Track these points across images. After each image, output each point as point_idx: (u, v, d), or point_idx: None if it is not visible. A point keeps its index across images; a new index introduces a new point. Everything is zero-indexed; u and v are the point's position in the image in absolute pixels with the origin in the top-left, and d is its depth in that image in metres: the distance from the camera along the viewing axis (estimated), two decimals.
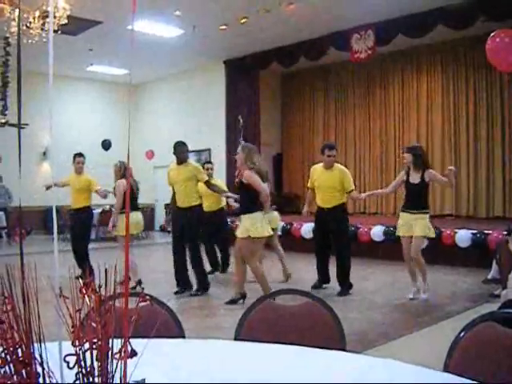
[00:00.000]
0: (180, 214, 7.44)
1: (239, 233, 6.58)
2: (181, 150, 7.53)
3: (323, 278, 7.66)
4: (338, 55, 13.60)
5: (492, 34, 7.65)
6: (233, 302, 6.74)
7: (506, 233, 7.70)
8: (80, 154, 8.90)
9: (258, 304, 2.43)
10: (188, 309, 6.68)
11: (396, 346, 5.15)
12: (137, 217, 7.91)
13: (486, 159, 13.17)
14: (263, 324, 2.37)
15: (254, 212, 6.45)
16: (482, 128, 13.28)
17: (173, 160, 7.69)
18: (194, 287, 7.48)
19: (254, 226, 6.41)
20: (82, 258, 8.27)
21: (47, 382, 1.00)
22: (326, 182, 7.44)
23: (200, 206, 7.59)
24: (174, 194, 7.64)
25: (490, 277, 7.63)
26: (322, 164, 7.61)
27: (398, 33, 11.71)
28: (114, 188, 7.99)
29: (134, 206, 7.93)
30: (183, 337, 2.28)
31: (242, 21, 11.33)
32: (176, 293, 7.41)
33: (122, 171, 7.88)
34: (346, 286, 7.39)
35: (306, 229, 11.90)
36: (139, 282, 7.58)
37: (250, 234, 6.42)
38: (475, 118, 13.40)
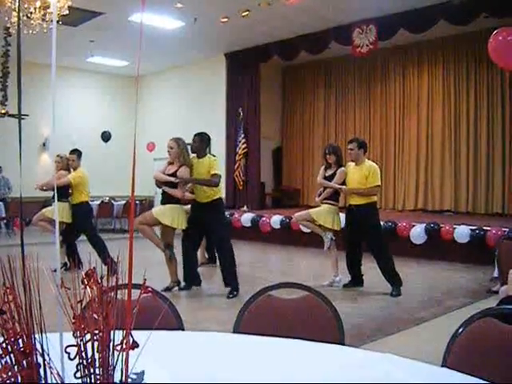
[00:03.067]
0: (198, 209, 7.16)
1: None
2: (197, 141, 7.30)
3: (353, 279, 7.55)
4: (339, 49, 13.59)
5: (495, 32, 7.63)
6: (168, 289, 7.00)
7: None
8: (73, 151, 8.82)
9: (257, 297, 2.43)
10: (186, 301, 6.70)
11: (394, 341, 5.16)
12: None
13: (486, 155, 13.16)
14: (262, 317, 2.38)
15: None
16: (482, 124, 13.27)
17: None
18: (228, 289, 7.13)
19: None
20: (73, 250, 8.55)
21: (48, 372, 1.00)
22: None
23: (221, 199, 7.37)
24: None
25: (495, 274, 7.63)
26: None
27: (400, 28, 11.70)
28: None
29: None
30: (182, 329, 2.29)
31: (244, 14, 11.30)
32: (182, 289, 7.26)
33: (65, 166, 8.56)
34: (394, 285, 7.16)
35: None
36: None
37: None
38: (476, 114, 13.39)
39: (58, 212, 8.19)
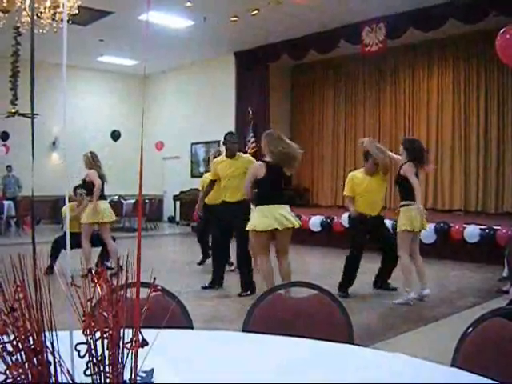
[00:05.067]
0: (229, 209, 7.01)
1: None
2: (232, 141, 7.08)
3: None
4: (348, 48, 13.55)
5: (502, 31, 7.59)
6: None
7: None
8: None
9: (267, 296, 2.43)
10: (195, 299, 6.69)
11: (403, 340, 5.15)
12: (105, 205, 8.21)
13: (496, 154, 13.10)
14: (271, 316, 2.38)
15: (259, 205, 6.26)
16: (492, 123, 13.20)
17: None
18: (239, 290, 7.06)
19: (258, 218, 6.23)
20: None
21: (58, 370, 1.01)
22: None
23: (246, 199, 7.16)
24: (208, 188, 7.50)
25: (504, 274, 7.61)
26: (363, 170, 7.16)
27: (410, 26, 11.65)
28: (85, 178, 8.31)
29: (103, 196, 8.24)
30: (191, 328, 2.29)
31: (253, 13, 11.30)
32: (206, 288, 7.20)
33: (92, 162, 8.17)
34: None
35: (315, 222, 11.91)
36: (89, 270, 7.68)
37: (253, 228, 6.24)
38: (486, 113, 13.33)
39: (106, 211, 8.14)
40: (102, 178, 8.13)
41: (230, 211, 7.02)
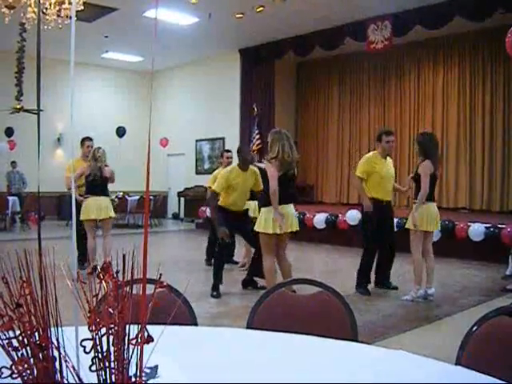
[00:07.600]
0: (235, 218, 6.89)
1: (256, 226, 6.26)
2: (247, 150, 7.07)
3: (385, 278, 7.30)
4: (354, 45, 13.53)
5: None
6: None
7: None
8: (90, 138, 8.45)
9: (271, 293, 2.43)
10: (199, 295, 6.70)
11: (407, 339, 5.14)
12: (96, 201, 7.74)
13: (502, 152, 13.07)
14: (275, 313, 2.38)
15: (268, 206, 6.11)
16: (498, 122, 13.17)
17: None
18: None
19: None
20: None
21: (63, 365, 1.01)
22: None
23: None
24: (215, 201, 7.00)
25: (508, 272, 7.60)
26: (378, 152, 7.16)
27: (416, 24, 11.63)
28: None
29: (103, 192, 7.82)
30: (196, 324, 2.29)
31: (258, 10, 11.29)
32: (215, 296, 6.86)
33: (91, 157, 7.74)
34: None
35: (319, 219, 11.90)
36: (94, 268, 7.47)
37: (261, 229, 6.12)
38: (491, 111, 13.29)
39: (104, 208, 7.78)
40: (92, 172, 7.67)
41: (236, 220, 6.91)
